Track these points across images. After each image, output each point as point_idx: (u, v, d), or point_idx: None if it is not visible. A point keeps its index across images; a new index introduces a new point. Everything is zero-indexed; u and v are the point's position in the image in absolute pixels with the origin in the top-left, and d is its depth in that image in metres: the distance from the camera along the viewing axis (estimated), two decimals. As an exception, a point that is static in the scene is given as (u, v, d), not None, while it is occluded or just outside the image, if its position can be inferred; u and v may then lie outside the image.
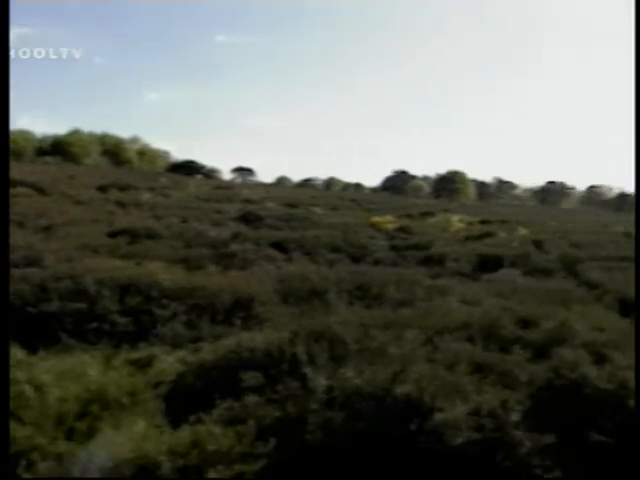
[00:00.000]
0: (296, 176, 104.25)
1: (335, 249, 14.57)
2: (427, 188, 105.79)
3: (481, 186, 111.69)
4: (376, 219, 23.73)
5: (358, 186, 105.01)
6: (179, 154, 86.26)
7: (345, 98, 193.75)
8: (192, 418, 4.77)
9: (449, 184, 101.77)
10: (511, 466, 4.27)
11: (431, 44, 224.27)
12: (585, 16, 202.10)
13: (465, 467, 4.23)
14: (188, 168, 74.76)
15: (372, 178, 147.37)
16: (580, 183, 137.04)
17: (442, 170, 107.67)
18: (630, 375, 4.94)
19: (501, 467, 4.25)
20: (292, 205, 31.76)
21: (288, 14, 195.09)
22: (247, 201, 32.56)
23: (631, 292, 9.93)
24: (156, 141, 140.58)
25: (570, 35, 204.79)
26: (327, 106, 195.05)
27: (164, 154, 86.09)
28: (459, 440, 4.18)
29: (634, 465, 4.46)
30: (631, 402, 4.73)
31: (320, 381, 4.91)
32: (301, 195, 44.34)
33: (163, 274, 8.75)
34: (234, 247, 13.37)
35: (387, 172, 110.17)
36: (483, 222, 28.54)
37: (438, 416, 4.32)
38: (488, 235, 20.55)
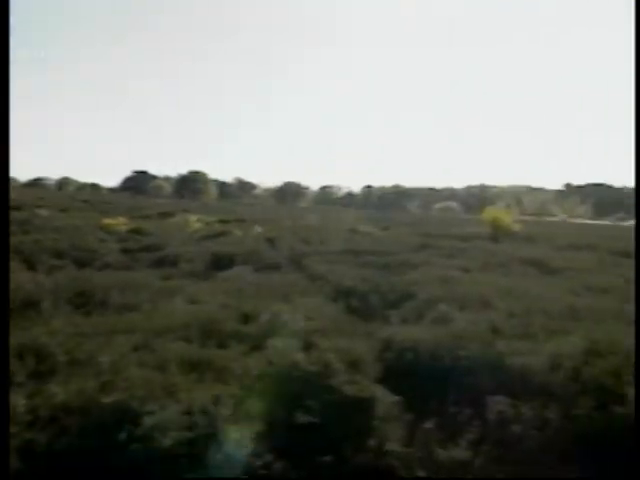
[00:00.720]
0: (23, 175, 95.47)
1: (58, 254, 13.48)
2: (169, 188, 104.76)
3: (222, 186, 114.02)
4: (108, 221, 22.55)
5: (95, 186, 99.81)
6: None
7: (85, 94, 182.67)
8: None
9: (191, 184, 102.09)
10: (224, 459, 4.36)
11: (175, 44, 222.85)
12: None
13: (177, 466, 4.21)
14: None
15: (112, 178, 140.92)
16: (314, 183, 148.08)
17: (184, 170, 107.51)
18: (332, 357, 5.40)
19: (213, 461, 4.31)
20: (13, 207, 28.66)
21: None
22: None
23: (346, 282, 10.93)
24: None
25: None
26: (63, 100, 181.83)
27: None
28: (169, 441, 4.14)
29: (340, 440, 4.90)
30: (334, 380, 5.17)
31: (19, 401, 4.47)
32: (26, 196, 40.44)
33: None
34: None
35: (127, 172, 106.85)
36: (221, 221, 29.07)
37: (148, 420, 4.22)
38: (224, 234, 20.96)
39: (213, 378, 5.05)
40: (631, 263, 16.10)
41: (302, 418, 4.82)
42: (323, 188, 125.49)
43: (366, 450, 4.91)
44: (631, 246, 20.66)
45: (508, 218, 29.21)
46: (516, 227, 27.99)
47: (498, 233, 26.05)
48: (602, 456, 5.11)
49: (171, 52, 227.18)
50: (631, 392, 5.32)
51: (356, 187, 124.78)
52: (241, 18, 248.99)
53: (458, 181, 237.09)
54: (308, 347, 5.72)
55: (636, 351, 5.84)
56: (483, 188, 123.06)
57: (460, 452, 4.99)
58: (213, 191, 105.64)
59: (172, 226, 25.30)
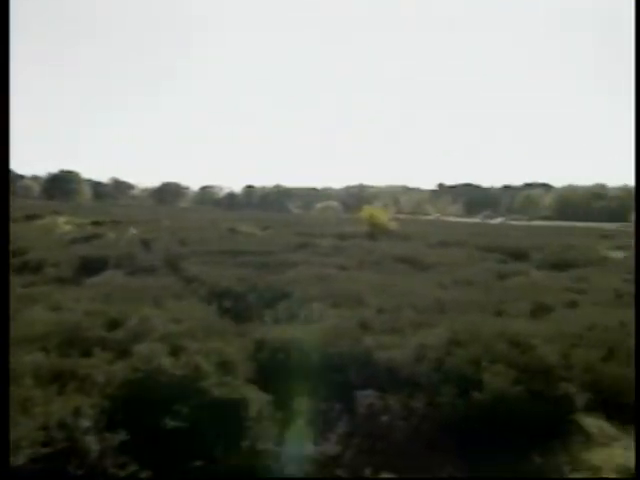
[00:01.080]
0: None
1: None
2: (38, 188, 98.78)
3: (97, 186, 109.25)
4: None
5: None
6: None
7: None
8: None
9: (63, 184, 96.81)
10: (85, 472, 4.15)
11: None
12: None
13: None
14: None
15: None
16: (194, 183, 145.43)
17: (54, 169, 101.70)
18: (202, 359, 5.30)
19: (74, 476, 4.10)
20: None
21: None
22: None
23: (222, 283, 10.77)
24: None
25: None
26: None
27: None
28: (22, 460, 3.87)
29: (212, 443, 4.82)
30: (204, 383, 5.07)
31: None
32: None
33: None
34: None
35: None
36: (94, 223, 27.79)
37: (-2, 439, 3.93)
38: (96, 237, 20.05)
39: (74, 389, 4.78)
40: (495, 257, 17.32)
41: (170, 423, 4.70)
42: (203, 188, 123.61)
43: (238, 451, 4.87)
44: (495, 242, 22.20)
45: (385, 217, 30.25)
46: (392, 225, 29.02)
47: (375, 231, 26.87)
48: (464, 440, 5.40)
49: (48, 48, 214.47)
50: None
51: (237, 187, 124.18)
52: (123, 14, 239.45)
53: (338, 181, 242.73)
54: (177, 351, 5.57)
55: (636, 350, 6.11)
56: (362, 188, 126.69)
57: (330, 447, 5.08)
58: (87, 191, 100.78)
59: (39, 229, 23.80)
